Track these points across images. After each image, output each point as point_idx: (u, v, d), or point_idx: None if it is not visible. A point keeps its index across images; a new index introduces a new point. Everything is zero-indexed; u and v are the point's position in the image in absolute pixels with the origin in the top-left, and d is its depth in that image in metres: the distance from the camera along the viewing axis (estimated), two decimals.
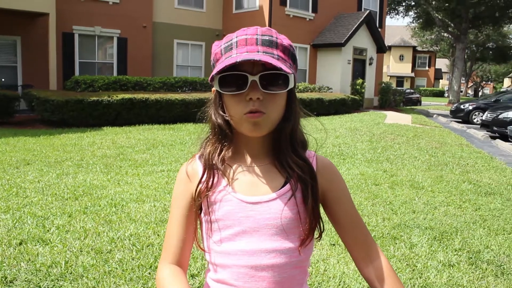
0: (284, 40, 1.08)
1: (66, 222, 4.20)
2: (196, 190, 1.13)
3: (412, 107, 30.08)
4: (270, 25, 18.75)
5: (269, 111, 1.04)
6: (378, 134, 11.63)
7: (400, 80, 60.18)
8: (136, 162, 7.15)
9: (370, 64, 22.94)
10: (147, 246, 3.70)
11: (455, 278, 3.37)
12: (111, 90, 13.15)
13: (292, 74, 1.05)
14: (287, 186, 1.10)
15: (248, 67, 1.02)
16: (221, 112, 1.11)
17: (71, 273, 3.16)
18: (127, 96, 12.20)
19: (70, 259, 3.37)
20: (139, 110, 12.31)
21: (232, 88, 1.04)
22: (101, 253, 3.53)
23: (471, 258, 3.78)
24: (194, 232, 1.17)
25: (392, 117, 17.61)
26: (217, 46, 1.10)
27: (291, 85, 1.06)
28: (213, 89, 1.12)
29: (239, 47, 1.05)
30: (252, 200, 1.09)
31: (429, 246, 4.01)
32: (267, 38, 1.05)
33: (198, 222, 1.17)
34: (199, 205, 1.13)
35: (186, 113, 13.01)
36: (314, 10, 21.18)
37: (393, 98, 24.94)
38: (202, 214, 1.14)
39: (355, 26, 20.67)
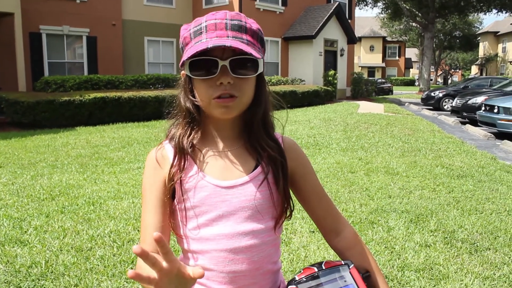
0: (253, 25, 1.09)
1: (44, 223, 4.15)
2: (168, 174, 1.11)
3: (384, 96, 30.52)
4: None
5: (240, 94, 1.05)
6: (352, 124, 11.78)
7: (371, 70, 60.97)
8: (112, 161, 7.08)
9: (342, 55, 23.16)
10: (128, 242, 3.69)
11: (432, 257, 3.47)
12: (83, 90, 12.96)
13: (262, 59, 1.06)
14: (259, 168, 1.12)
15: (218, 52, 1.03)
16: (190, 97, 1.11)
17: (52, 272, 3.13)
18: (99, 95, 12.04)
19: (50, 259, 3.34)
20: (112, 109, 12.16)
21: (203, 72, 1.04)
22: (82, 251, 3.51)
23: (446, 238, 3.89)
24: (169, 219, 1.15)
25: (365, 106, 17.84)
26: (186, 30, 1.10)
27: (260, 69, 1.07)
28: (182, 72, 1.13)
29: (208, 31, 1.04)
30: (226, 185, 1.10)
31: (406, 228, 4.11)
32: (236, 23, 1.06)
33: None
34: (171, 190, 1.11)
35: (160, 110, 12.79)
36: (284, 3, 21.25)
37: (365, 88, 25.25)
38: (175, 202, 1.13)
39: (325, 18, 20.83)
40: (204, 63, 1.03)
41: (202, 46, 0.99)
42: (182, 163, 1.11)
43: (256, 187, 1.10)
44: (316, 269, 1.08)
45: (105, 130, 10.57)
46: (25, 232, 3.92)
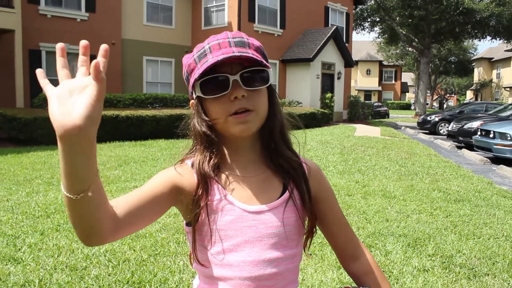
0: (255, 42, 1.09)
1: (39, 240, 4.10)
2: (193, 201, 1.06)
3: (381, 119, 30.71)
4: None
5: (256, 107, 1.04)
6: (349, 147, 11.80)
7: (368, 93, 61.46)
8: (108, 179, 7.05)
9: (339, 78, 23.35)
10: (123, 262, 3.65)
11: (430, 282, 3.44)
12: None
13: (270, 69, 1.06)
14: (286, 194, 1.10)
15: (227, 69, 1.02)
16: (205, 117, 1.07)
17: None
18: None
19: (44, 277, 3.29)
20: (110, 127, 12.16)
21: (215, 91, 1.02)
22: (76, 270, 3.46)
23: (444, 262, 3.87)
24: (145, 207, 1.00)
25: (361, 129, 17.92)
26: (189, 58, 1.09)
27: (271, 80, 1.08)
28: (191, 102, 1.11)
29: (213, 51, 1.03)
30: (254, 210, 1.07)
31: (403, 252, 4.09)
32: (238, 40, 1.05)
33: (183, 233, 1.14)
34: (195, 216, 1.06)
35: (157, 130, 12.94)
36: (282, 26, 21.51)
37: (361, 111, 25.42)
38: (196, 226, 1.07)
39: (322, 42, 21.07)
40: (214, 81, 1.02)
41: (212, 61, 0.99)
42: (207, 189, 1.06)
43: (284, 212, 1.09)
44: None
45: (102, 148, 10.55)
46: (19, 249, 3.87)
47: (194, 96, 1.09)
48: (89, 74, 0.81)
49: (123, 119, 12.39)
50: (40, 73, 0.83)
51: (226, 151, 1.13)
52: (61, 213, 5.01)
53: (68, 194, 0.82)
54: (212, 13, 20.21)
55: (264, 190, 1.10)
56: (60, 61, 0.83)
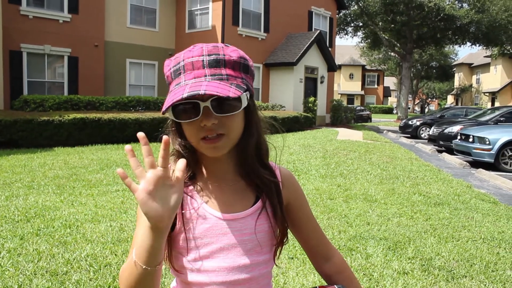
0: (233, 54, 1.06)
1: (18, 245, 4.05)
2: None
3: (363, 123, 30.97)
4: None
5: (228, 131, 1.04)
6: (331, 150, 11.89)
7: (350, 97, 61.94)
8: (90, 183, 6.99)
9: (322, 82, 23.51)
10: (105, 266, 3.63)
11: (410, 285, 3.50)
12: (62, 110, 12.84)
13: (244, 93, 1.03)
14: (259, 202, 1.14)
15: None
16: (179, 139, 1.11)
17: None
18: (79, 115, 11.94)
19: (23, 283, 3.25)
20: (92, 130, 12.05)
21: (186, 115, 1.02)
22: (57, 275, 3.43)
23: (423, 265, 3.93)
24: (165, 249, 1.11)
25: (344, 133, 18.05)
26: (167, 68, 1.09)
27: (244, 104, 1.04)
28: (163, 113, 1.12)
29: (186, 72, 1.03)
30: (228, 217, 1.10)
31: (384, 255, 4.14)
32: (213, 58, 1.03)
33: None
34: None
35: None
36: (266, 30, 21.59)
37: (344, 115, 25.60)
38: (174, 233, 1.11)
39: (306, 46, 21.20)
40: (185, 106, 1.01)
41: (179, 94, 0.97)
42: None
43: (257, 220, 1.12)
44: None
45: (84, 152, 10.45)
46: None
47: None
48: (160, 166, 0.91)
49: (105, 122, 12.28)
50: (121, 173, 0.88)
51: (202, 161, 1.16)
52: (41, 218, 4.96)
53: (146, 267, 0.96)
54: (196, 16, 20.19)
55: (238, 199, 1.14)
56: (133, 161, 0.91)
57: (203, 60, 1.03)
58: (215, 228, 1.10)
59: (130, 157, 0.89)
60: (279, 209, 1.15)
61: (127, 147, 0.89)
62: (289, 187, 1.22)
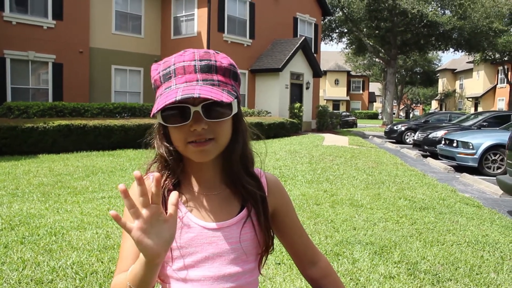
0: (223, 61, 1.06)
1: (2, 254, 4.00)
2: None
3: (349, 129, 31.18)
4: None
5: (217, 136, 1.04)
6: (317, 156, 11.95)
7: (336, 103, 62.31)
8: (75, 190, 6.93)
9: (307, 88, 23.63)
10: (91, 274, 3.60)
11: None
12: (47, 117, 12.71)
13: (235, 100, 1.04)
14: (244, 211, 1.13)
15: (189, 99, 1.00)
16: (165, 144, 1.10)
17: None
18: (64, 122, 11.84)
19: None
20: (77, 137, 11.95)
21: (175, 119, 1.02)
22: (42, 283, 3.40)
23: (409, 269, 3.97)
24: None
25: (330, 139, 18.15)
26: (156, 71, 1.08)
27: (234, 111, 1.05)
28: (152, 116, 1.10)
29: (177, 76, 1.02)
30: (213, 227, 1.10)
31: (370, 260, 4.17)
32: (205, 64, 1.03)
33: None
34: None
35: (126, 139, 12.79)
36: (252, 36, 21.67)
37: (330, 121, 25.76)
38: None
39: (291, 52, 21.31)
40: (176, 109, 1.01)
41: (171, 96, 0.97)
42: (164, 204, 1.06)
43: (242, 229, 1.12)
44: None
45: (69, 159, 10.36)
46: None
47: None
48: (152, 203, 0.90)
49: (90, 129, 12.19)
50: (115, 215, 0.86)
51: (188, 168, 1.15)
52: (26, 225, 4.90)
53: None
54: (182, 23, 20.19)
55: (223, 208, 1.13)
56: (127, 202, 0.88)
57: (195, 65, 1.03)
58: (199, 238, 1.09)
59: (124, 198, 0.87)
60: (263, 217, 1.14)
61: (121, 187, 0.86)
62: (275, 193, 1.22)
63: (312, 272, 1.29)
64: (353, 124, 35.83)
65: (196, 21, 19.54)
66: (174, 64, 1.04)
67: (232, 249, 1.10)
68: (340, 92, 63.71)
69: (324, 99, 59.90)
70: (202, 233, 1.09)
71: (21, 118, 12.24)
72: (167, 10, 20.60)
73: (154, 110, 1.00)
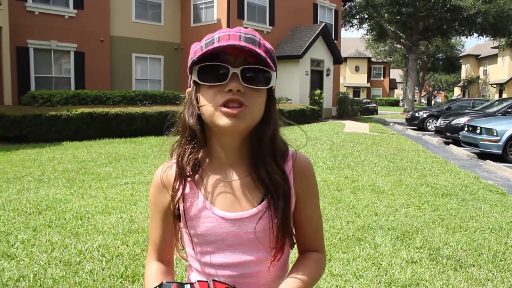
0: (266, 44, 1.05)
1: (31, 236, 4.12)
2: (171, 196, 1.11)
3: (369, 116, 30.89)
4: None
5: (250, 104, 1.00)
6: (338, 143, 11.90)
7: (356, 90, 61.70)
8: (99, 176, 7.05)
9: (328, 75, 23.45)
10: (117, 256, 3.69)
11: (418, 274, 3.53)
12: (70, 105, 12.92)
13: (274, 72, 1.03)
14: (266, 202, 1.08)
15: (230, 60, 0.99)
16: (195, 103, 1.05)
17: (40, 286, 3.12)
18: (86, 110, 12.02)
19: (38, 272, 3.32)
20: (99, 124, 12.13)
21: (212, 78, 1.00)
22: (70, 265, 3.49)
23: (431, 254, 3.96)
24: (174, 232, 1.17)
25: (350, 126, 18.03)
26: (197, 45, 1.06)
27: (272, 83, 1.03)
28: (188, 90, 1.09)
29: (221, 41, 1.00)
30: (233, 217, 1.07)
31: (392, 245, 4.17)
32: (250, 36, 1.01)
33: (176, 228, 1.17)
34: (176, 215, 1.11)
35: (147, 127, 12.92)
36: (271, 23, 21.54)
37: (350, 108, 25.55)
38: (181, 225, 1.12)
39: (311, 38, 21.13)
40: (214, 69, 0.99)
41: (215, 45, 0.97)
42: (183, 186, 1.09)
43: (263, 220, 1.07)
44: None
45: (92, 146, 10.53)
46: (12, 245, 3.89)
47: (191, 82, 1.06)
48: None
49: (112, 116, 12.35)
50: None
51: (211, 149, 1.10)
52: (53, 210, 5.02)
53: None
54: (201, 10, 20.18)
55: (244, 196, 1.09)
56: None
57: (240, 35, 1.01)
58: (218, 227, 1.07)
59: None
60: (281, 214, 1.07)
61: None
62: (300, 179, 1.14)
63: (303, 254, 1.20)
64: (374, 111, 35.47)
65: (216, 8, 19.50)
66: (218, 34, 1.03)
67: (253, 238, 1.08)
68: (360, 79, 63.04)
69: (345, 86, 59.36)
70: (221, 223, 1.07)
71: (45, 107, 12.47)
72: None
73: (195, 58, 0.99)
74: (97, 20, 17.62)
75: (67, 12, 16.89)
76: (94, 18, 17.53)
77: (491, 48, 50.57)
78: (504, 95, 46.07)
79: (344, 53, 52.80)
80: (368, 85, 63.73)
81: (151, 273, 1.16)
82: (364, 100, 36.83)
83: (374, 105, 36.79)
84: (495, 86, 50.68)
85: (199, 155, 1.08)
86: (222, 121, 1.00)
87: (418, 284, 3.35)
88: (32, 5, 15.94)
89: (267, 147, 1.07)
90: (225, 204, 1.08)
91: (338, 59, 23.98)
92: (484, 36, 33.87)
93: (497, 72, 50.26)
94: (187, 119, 1.07)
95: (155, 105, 14.68)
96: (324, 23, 22.59)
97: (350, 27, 37.62)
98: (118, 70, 18.71)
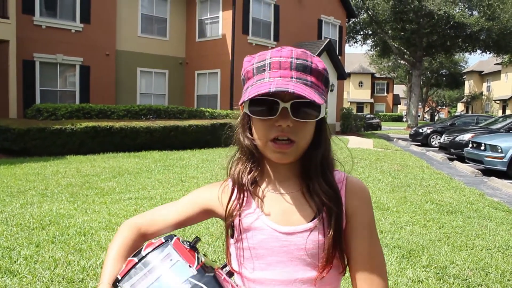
0: (319, 64, 1.05)
1: (34, 252, 4.10)
2: (226, 210, 1.12)
3: (373, 131, 30.89)
4: (233, 53, 19.06)
5: (298, 139, 1.03)
6: (342, 159, 11.77)
7: (360, 105, 61.80)
8: (102, 190, 7.04)
9: (331, 90, 23.51)
10: None
11: None
12: (75, 118, 12.96)
13: (324, 104, 1.03)
14: (320, 217, 1.06)
15: (280, 93, 0.99)
16: (248, 135, 1.10)
17: None
18: (91, 124, 12.05)
19: None
20: (104, 138, 12.15)
21: (262, 112, 1.02)
22: (73, 282, 3.47)
23: (438, 273, 3.91)
24: (181, 225, 1.19)
25: (354, 141, 18.02)
26: (249, 63, 1.07)
27: (322, 114, 1.04)
28: (241, 106, 1.09)
29: (272, 70, 1.02)
30: (286, 231, 1.06)
31: (398, 264, 4.13)
32: (301, 63, 1.02)
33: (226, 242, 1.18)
34: (229, 227, 1.12)
35: (151, 141, 12.94)
36: (276, 38, 21.67)
37: (354, 123, 25.58)
38: (233, 240, 1.13)
39: (316, 54, 21.23)
40: (265, 102, 1.00)
41: (264, 87, 0.97)
42: (241, 200, 1.11)
43: (317, 236, 1.05)
44: (136, 259, 0.98)
45: (96, 160, 10.53)
46: (15, 262, 3.86)
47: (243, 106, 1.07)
48: None
49: (117, 131, 12.38)
50: None
51: (264, 167, 1.14)
52: (56, 225, 5.00)
53: None
54: (207, 25, 20.33)
55: (296, 211, 1.08)
56: None
57: (291, 62, 1.02)
58: (270, 241, 1.07)
59: None
60: (332, 230, 1.05)
61: None
62: (352, 200, 1.11)
63: None
64: (378, 127, 35.47)
65: (221, 24, 19.64)
66: (270, 58, 1.04)
67: (305, 255, 1.05)
68: (364, 94, 63.15)
69: (348, 101, 59.46)
70: (273, 236, 1.07)
71: (50, 120, 12.50)
72: (192, 12, 20.77)
73: (245, 97, 1.00)
74: (103, 34, 17.77)
75: (74, 26, 17.04)
76: (100, 33, 17.68)
77: (495, 64, 50.73)
78: (508, 112, 46.02)
79: (348, 69, 52.94)
80: (372, 100, 63.82)
81: (119, 243, 1.12)
82: (368, 116, 36.88)
83: (378, 120, 36.81)
84: (498, 102, 50.68)
85: (258, 172, 1.13)
86: (272, 155, 1.05)
87: None
88: (40, 19, 16.10)
89: (316, 168, 1.09)
90: (278, 216, 1.08)
91: (342, 75, 24.05)
92: (488, 52, 33.96)
93: (501, 88, 50.28)
94: (244, 142, 1.12)
95: (159, 120, 14.70)
96: (328, 39, 22.70)
97: (354, 43, 37.73)
98: (123, 84, 18.81)
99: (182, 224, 1.20)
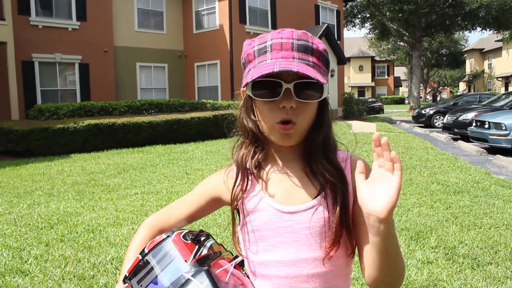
0: (320, 45, 1.05)
1: (44, 251, 4.12)
2: (231, 194, 1.12)
3: (376, 115, 30.80)
4: (231, 43, 18.98)
5: (299, 120, 1.02)
6: (346, 144, 11.80)
7: (361, 90, 61.60)
8: (108, 187, 7.06)
9: (332, 76, 23.41)
10: None
11: (435, 274, 3.48)
12: (76, 117, 12.97)
13: (327, 84, 1.03)
14: (323, 194, 1.06)
15: (282, 74, 0.99)
16: (253, 118, 1.09)
17: None
18: (93, 121, 12.06)
19: None
20: (106, 135, 12.16)
21: (265, 94, 1.01)
22: (84, 279, 3.49)
23: (447, 253, 3.92)
24: (194, 218, 1.21)
25: (357, 126, 17.97)
26: (250, 46, 1.07)
27: (325, 94, 1.04)
28: (242, 89, 1.10)
29: (273, 51, 1.01)
30: (289, 210, 1.06)
31: (407, 246, 4.13)
32: (302, 43, 1.02)
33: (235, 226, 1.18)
34: (234, 211, 1.14)
35: (154, 135, 12.94)
36: (274, 26, 21.54)
37: (356, 107, 25.50)
38: (239, 227, 1.14)
39: None
40: (267, 84, 1.00)
41: (267, 68, 0.96)
42: (245, 184, 1.11)
43: (321, 214, 1.05)
44: (140, 257, 1.06)
45: (100, 157, 10.55)
46: (26, 261, 3.89)
47: (245, 89, 1.07)
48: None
49: (119, 127, 12.38)
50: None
51: (267, 148, 1.13)
52: (64, 224, 5.03)
53: None
54: (203, 17, 20.23)
55: (301, 189, 1.08)
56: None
57: (292, 43, 1.02)
58: (274, 221, 1.06)
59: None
60: (339, 206, 1.04)
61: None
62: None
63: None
64: (380, 110, 35.35)
65: (218, 14, 19.54)
66: (271, 40, 1.04)
67: (310, 234, 1.05)
68: (365, 78, 62.93)
69: (349, 86, 59.25)
70: (276, 216, 1.07)
71: (52, 120, 12.52)
72: (188, 5, 20.66)
73: (248, 79, 1.00)
74: (100, 31, 17.70)
75: (71, 25, 16.98)
76: (97, 29, 17.61)
77: (495, 41, 50.30)
78: (510, 88, 45.75)
79: (347, 53, 52.69)
80: (373, 84, 63.60)
81: (139, 240, 1.20)
82: (370, 100, 36.74)
83: (380, 104, 36.66)
84: (500, 79, 50.36)
85: (262, 155, 1.12)
86: (276, 137, 1.05)
87: (436, 285, 3.31)
88: (36, 19, 16.05)
89: (318, 147, 1.09)
90: (281, 198, 1.08)
91: (342, 60, 23.93)
92: (488, 29, 33.74)
93: (502, 65, 49.93)
94: (247, 125, 1.11)
95: (161, 114, 14.70)
96: (326, 24, 22.57)
97: (353, 26, 37.56)
98: (123, 80, 18.79)
99: (194, 216, 1.21)
